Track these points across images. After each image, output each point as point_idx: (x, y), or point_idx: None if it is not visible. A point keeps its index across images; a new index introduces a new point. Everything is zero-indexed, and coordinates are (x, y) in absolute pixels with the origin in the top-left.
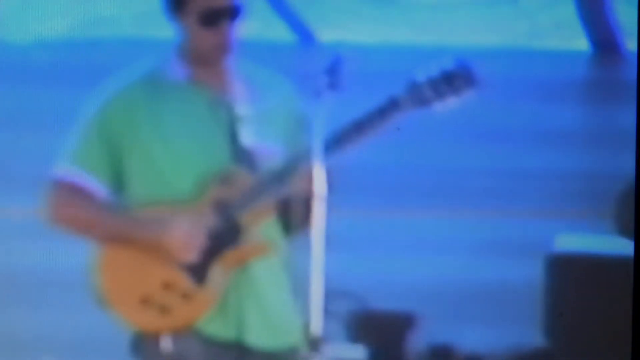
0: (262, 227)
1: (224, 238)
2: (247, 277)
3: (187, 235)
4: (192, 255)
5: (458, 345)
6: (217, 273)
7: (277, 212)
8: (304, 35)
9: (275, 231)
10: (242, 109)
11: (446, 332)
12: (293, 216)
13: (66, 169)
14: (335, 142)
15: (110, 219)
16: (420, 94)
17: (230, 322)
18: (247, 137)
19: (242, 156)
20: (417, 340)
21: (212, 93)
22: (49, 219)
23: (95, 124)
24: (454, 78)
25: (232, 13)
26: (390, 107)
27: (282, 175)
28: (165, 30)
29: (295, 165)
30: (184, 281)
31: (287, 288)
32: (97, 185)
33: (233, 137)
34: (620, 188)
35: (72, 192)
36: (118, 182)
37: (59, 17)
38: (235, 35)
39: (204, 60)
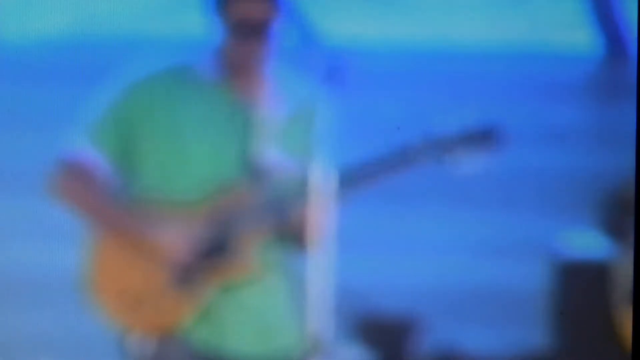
0: (256, 246)
1: (215, 250)
2: (235, 289)
3: (177, 239)
4: (178, 259)
5: (461, 348)
6: (202, 281)
7: (276, 233)
8: (307, 34)
9: (269, 252)
10: (265, 118)
11: (449, 334)
12: (292, 238)
13: (78, 147)
14: (343, 186)
15: (109, 204)
16: (435, 149)
17: (213, 331)
18: (263, 150)
19: (254, 169)
20: (420, 342)
21: (238, 97)
22: (55, 194)
23: (115, 108)
24: (473, 139)
25: (264, 27)
26: (401, 158)
27: (285, 201)
28: (165, 29)
29: (299, 194)
30: (167, 283)
31: (281, 300)
32: (105, 166)
33: (248, 149)
34: (611, 190)
35: (79, 170)
36: (127, 167)
37: (59, 16)
38: (266, 49)
39: (236, 65)
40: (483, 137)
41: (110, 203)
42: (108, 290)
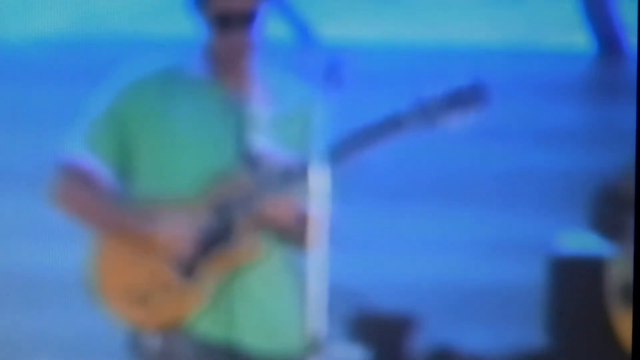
0: (259, 233)
1: (217, 239)
2: (239, 278)
3: (178, 232)
4: (181, 251)
5: (459, 346)
6: (207, 272)
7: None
8: (304, 34)
9: (272, 238)
10: (258, 112)
11: (447, 333)
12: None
13: (75, 153)
14: (337, 154)
15: (110, 207)
16: (425, 112)
17: (220, 322)
18: (258, 142)
19: (250, 161)
20: (418, 341)
21: (229, 93)
22: (55, 202)
23: (109, 112)
24: (462, 97)
25: (247, 19)
26: (392, 123)
27: (281, 183)
28: (165, 29)
29: (295, 176)
30: (172, 277)
31: (285, 290)
32: (103, 170)
33: (243, 141)
34: (601, 187)
35: (78, 176)
36: (124, 169)
37: (58, 16)
38: (250, 41)
39: (223, 61)
40: (471, 94)
41: (111, 206)
42: (114, 289)
